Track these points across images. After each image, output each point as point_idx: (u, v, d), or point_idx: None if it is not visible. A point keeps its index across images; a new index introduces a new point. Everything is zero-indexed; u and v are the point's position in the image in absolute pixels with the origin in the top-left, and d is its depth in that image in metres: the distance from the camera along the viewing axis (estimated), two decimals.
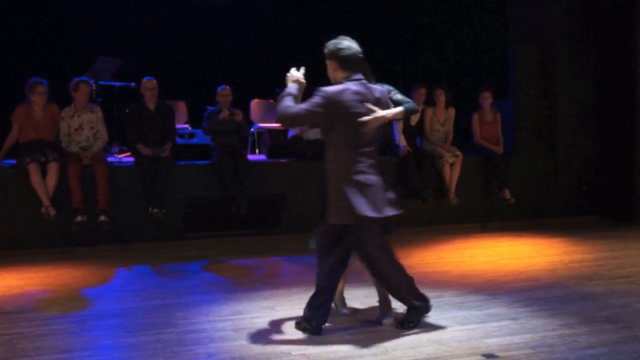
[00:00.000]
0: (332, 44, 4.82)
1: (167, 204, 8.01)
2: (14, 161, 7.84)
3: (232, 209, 8.18)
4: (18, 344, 4.64)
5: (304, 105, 4.68)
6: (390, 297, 5.04)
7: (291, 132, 8.98)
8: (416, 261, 7.22)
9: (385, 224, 4.84)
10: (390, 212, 4.75)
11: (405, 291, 4.93)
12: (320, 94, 4.66)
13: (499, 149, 9.38)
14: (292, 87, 4.79)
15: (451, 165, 9.09)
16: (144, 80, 8.29)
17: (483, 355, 4.35)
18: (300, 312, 5.28)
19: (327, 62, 4.85)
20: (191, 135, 9.85)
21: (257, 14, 11.75)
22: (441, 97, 9.21)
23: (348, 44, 4.80)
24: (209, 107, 8.91)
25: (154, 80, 8.27)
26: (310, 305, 4.79)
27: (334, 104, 4.64)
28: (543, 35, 10.10)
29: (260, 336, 4.76)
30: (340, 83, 4.76)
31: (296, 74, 4.85)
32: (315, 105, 4.64)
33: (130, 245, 8.00)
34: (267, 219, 8.68)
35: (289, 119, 4.74)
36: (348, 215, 4.68)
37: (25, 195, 7.60)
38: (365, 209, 4.65)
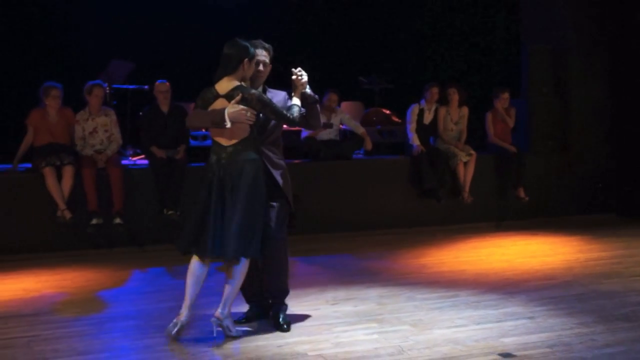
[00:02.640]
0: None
1: (181, 206, 8.03)
2: (29, 165, 7.89)
3: None
4: (36, 346, 4.67)
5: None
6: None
7: (304, 133, 8.99)
8: (431, 260, 7.21)
9: None
10: None
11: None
12: None
13: (513, 148, 9.34)
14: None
15: (465, 164, 9.06)
16: (157, 83, 8.32)
17: (500, 354, 4.33)
18: (314, 311, 5.30)
19: (270, 63, 4.98)
20: (204, 137, 9.86)
21: (269, 16, 11.77)
22: (454, 96, 9.19)
23: None
24: None
25: (167, 83, 8.30)
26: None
27: None
28: (556, 33, 10.05)
29: (277, 337, 4.76)
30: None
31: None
32: None
33: (145, 247, 8.03)
34: None
35: None
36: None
37: (41, 199, 7.65)
38: None
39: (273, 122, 4.90)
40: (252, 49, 4.76)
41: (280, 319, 4.94)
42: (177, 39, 11.20)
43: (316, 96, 5.03)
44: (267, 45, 4.96)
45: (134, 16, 11.09)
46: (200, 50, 11.30)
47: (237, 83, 4.69)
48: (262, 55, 4.91)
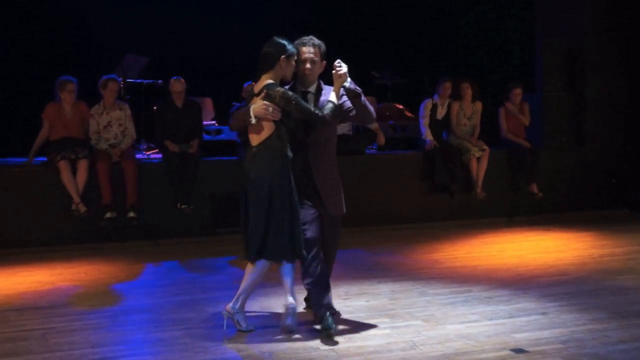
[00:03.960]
0: (323, 43, 4.84)
1: (194, 200, 8.08)
2: (44, 158, 7.95)
3: None
4: (51, 338, 4.71)
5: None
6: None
7: None
8: (444, 256, 7.21)
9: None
10: None
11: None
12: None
13: (526, 143, 9.31)
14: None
15: (478, 159, 9.05)
16: (172, 80, 8.33)
17: (512, 350, 4.33)
18: None
19: (321, 61, 4.84)
20: (218, 132, 9.90)
21: (282, 11, 11.77)
22: (468, 90, 9.16)
23: None
24: (235, 104, 8.96)
25: (182, 80, 8.30)
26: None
27: None
28: (571, 27, 10.00)
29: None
30: (317, 79, 4.87)
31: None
32: None
33: (158, 241, 8.08)
34: None
35: None
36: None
37: (55, 193, 7.71)
38: None
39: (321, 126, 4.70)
40: (290, 47, 4.64)
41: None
42: (192, 33, 11.23)
43: (358, 89, 4.76)
44: (316, 42, 4.80)
45: (148, 10, 11.13)
46: (214, 45, 11.37)
47: (270, 81, 4.60)
48: (310, 52, 4.76)
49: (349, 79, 4.71)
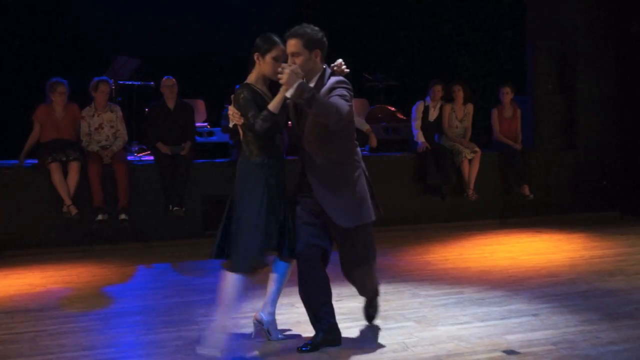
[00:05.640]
0: (313, 31, 4.31)
1: (186, 202, 8.07)
2: (35, 161, 7.92)
3: None
4: (42, 341, 4.70)
5: (344, 102, 4.16)
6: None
7: None
8: (436, 257, 7.22)
9: None
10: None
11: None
12: (347, 85, 4.26)
13: (518, 145, 9.34)
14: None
15: (470, 161, 9.06)
16: (163, 78, 8.36)
17: (504, 351, 4.34)
18: None
19: (310, 51, 4.26)
20: (210, 134, 9.89)
21: (275, 13, 11.78)
22: (459, 93, 9.18)
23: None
24: (227, 106, 8.94)
25: (173, 79, 8.33)
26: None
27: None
28: (562, 29, 10.03)
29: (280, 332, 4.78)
30: (318, 72, 4.32)
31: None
32: (350, 99, 4.22)
33: (150, 243, 8.06)
34: None
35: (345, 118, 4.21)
36: (375, 210, 4.55)
37: (46, 195, 7.68)
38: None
39: (312, 120, 4.25)
40: (262, 44, 4.34)
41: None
42: (184, 35, 11.23)
43: (305, 96, 3.99)
44: (299, 31, 4.24)
45: (140, 12, 11.12)
46: (207, 47, 11.37)
47: (247, 82, 4.40)
48: (290, 45, 4.24)
49: (295, 85, 3.99)
